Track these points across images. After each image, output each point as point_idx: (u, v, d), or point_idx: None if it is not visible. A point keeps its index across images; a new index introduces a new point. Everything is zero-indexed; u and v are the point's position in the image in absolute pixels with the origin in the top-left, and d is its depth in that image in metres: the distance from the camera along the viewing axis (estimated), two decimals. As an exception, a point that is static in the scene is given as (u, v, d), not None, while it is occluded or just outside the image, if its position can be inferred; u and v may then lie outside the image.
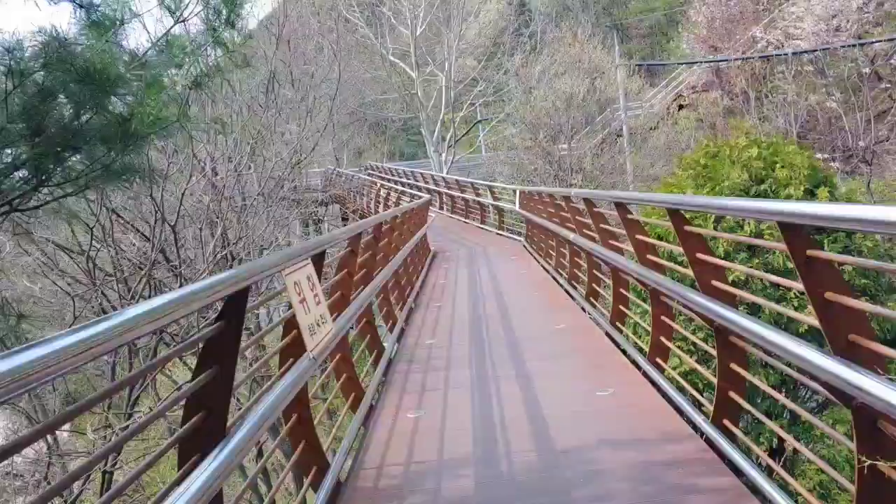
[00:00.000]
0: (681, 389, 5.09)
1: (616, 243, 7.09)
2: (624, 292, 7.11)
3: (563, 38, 26.63)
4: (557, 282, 10.91)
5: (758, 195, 7.18)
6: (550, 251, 12.96)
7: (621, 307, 7.15)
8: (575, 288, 9.93)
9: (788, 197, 7.02)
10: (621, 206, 5.83)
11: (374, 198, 23.75)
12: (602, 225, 7.18)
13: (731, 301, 4.03)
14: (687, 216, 4.51)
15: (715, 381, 4.26)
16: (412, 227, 13.68)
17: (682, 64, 32.34)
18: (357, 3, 37.48)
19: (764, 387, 4.13)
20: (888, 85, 28.35)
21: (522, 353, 6.81)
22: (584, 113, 23.62)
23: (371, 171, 35.98)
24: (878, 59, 28.67)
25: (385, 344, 7.50)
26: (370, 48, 37.63)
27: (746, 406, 4.02)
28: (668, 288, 4.97)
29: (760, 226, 6.94)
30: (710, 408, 4.36)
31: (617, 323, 7.17)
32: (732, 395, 4.08)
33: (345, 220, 31.51)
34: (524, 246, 16.49)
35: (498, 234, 19.31)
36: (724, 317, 3.77)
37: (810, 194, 7.20)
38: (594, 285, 8.58)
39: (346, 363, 5.45)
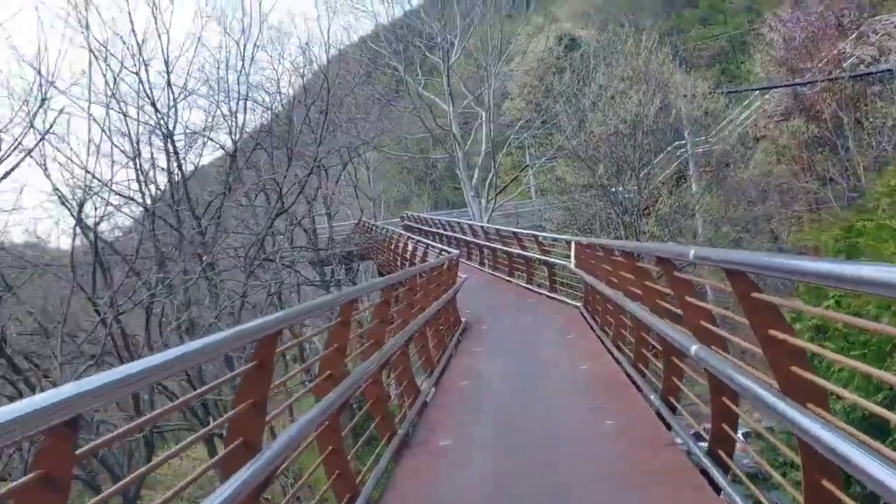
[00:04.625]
0: None
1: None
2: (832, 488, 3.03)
3: (622, 50, 22.20)
4: (639, 389, 6.84)
5: None
6: (622, 330, 8.89)
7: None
8: (674, 410, 5.85)
9: None
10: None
11: (399, 252, 19.93)
12: (794, 342, 3.16)
13: None
14: None
15: None
16: (427, 295, 9.78)
17: (760, 89, 27.98)
18: (387, 39, 34.31)
19: None
20: None
21: None
22: (652, 140, 19.30)
23: (408, 222, 32.34)
24: None
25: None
26: (409, 89, 34.21)
27: None
28: None
29: None
30: None
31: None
32: None
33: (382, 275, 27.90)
34: (582, 314, 12.41)
35: (549, 297, 15.20)
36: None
37: None
38: (724, 426, 4.49)
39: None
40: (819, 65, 28.44)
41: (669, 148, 22.34)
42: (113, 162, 14.53)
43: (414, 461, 5.68)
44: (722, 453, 4.65)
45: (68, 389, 1.85)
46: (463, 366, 9.58)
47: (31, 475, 1.81)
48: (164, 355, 2.37)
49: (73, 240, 12.40)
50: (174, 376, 10.34)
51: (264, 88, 23.03)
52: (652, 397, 6.25)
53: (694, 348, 3.88)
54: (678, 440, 5.46)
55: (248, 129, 19.37)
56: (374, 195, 41.51)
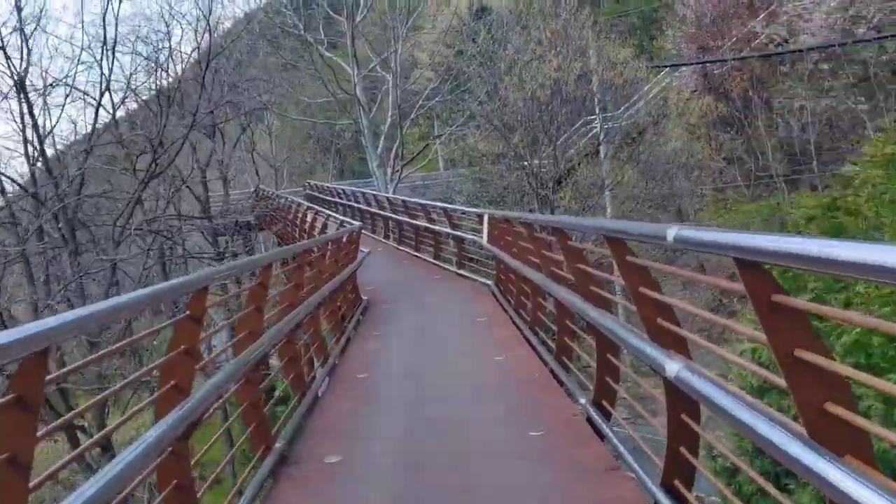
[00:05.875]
0: None
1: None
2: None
3: (541, 12, 21.06)
4: (562, 384, 5.91)
5: None
6: (541, 314, 7.97)
7: None
8: (608, 417, 4.91)
9: None
10: None
11: (297, 223, 18.54)
12: (832, 368, 2.17)
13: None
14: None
15: None
16: (322, 272, 8.60)
17: (680, 65, 27.63)
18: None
19: None
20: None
21: None
22: (570, 109, 18.34)
23: (312, 192, 30.78)
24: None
25: None
26: (311, 52, 32.37)
27: None
28: None
29: None
30: None
31: None
32: None
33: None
34: (493, 293, 11.45)
35: (457, 273, 14.20)
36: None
37: None
38: (684, 451, 3.54)
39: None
40: (729, 43, 28.31)
41: (584, 119, 21.53)
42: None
43: (294, 486, 4.52)
44: (679, 484, 3.71)
45: None
46: (361, 353, 8.44)
47: None
48: None
49: None
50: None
51: (152, 43, 21.10)
52: (583, 401, 5.28)
53: (675, 368, 2.83)
54: (614, 456, 4.53)
55: (134, 87, 17.53)
56: (277, 163, 39.61)
